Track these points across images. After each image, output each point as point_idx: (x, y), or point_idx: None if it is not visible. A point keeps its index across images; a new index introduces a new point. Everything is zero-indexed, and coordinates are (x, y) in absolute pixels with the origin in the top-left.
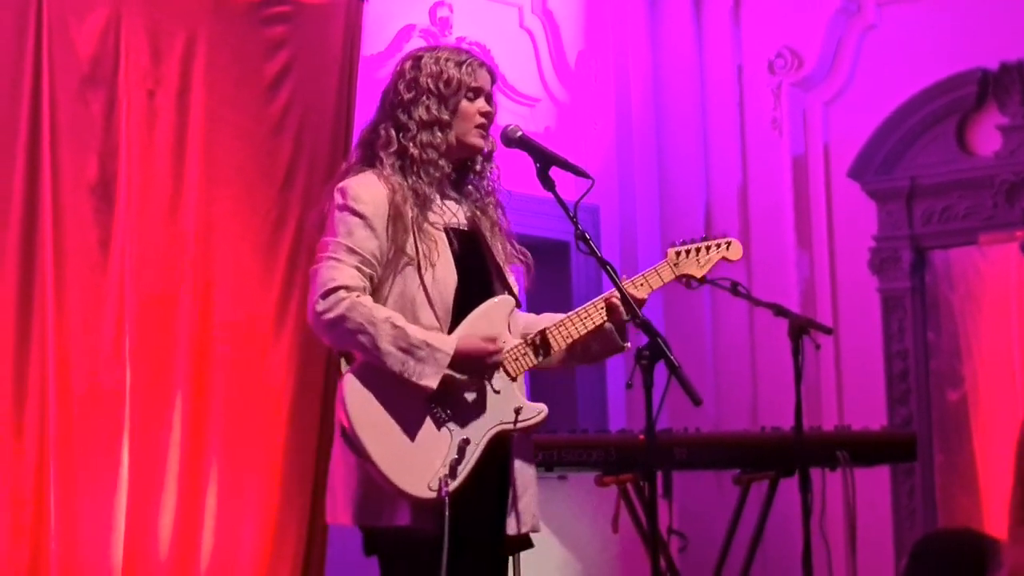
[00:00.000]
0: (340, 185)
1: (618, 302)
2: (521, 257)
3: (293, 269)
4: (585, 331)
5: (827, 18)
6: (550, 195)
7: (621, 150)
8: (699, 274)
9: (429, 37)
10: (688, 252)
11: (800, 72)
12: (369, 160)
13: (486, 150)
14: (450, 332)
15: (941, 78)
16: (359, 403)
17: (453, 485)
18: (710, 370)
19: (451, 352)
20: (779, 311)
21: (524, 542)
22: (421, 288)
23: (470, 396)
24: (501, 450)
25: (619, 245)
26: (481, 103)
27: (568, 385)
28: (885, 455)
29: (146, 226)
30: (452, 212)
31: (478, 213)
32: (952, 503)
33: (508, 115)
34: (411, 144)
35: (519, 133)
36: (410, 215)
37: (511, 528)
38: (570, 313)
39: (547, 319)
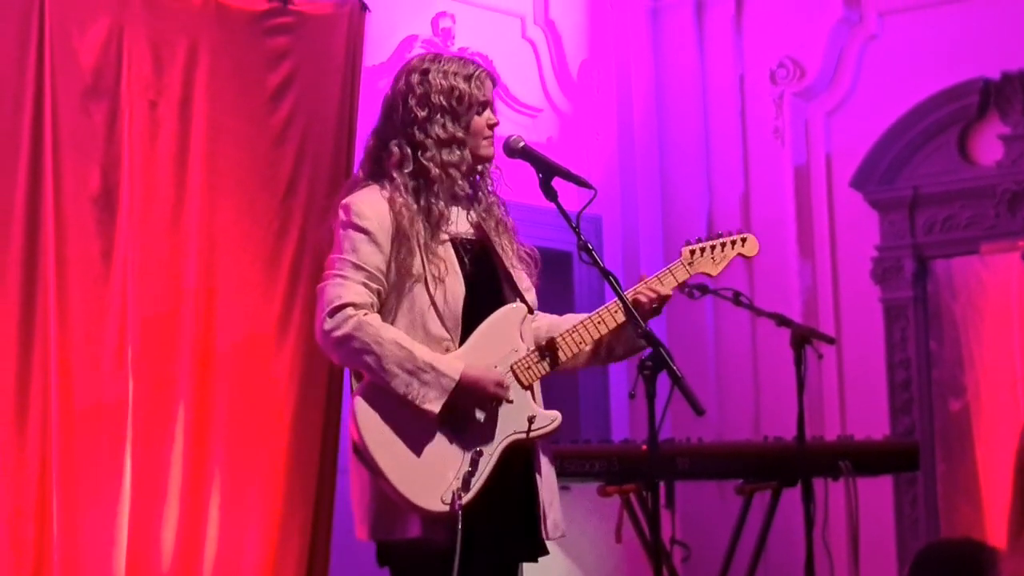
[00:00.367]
0: (344, 202)
1: (644, 297)
2: (528, 254)
3: (295, 280)
4: (598, 335)
5: (829, 28)
6: (553, 205)
7: (623, 160)
8: (715, 272)
9: (431, 48)
10: (703, 250)
11: (802, 82)
12: (376, 176)
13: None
14: (461, 342)
15: (943, 88)
16: (371, 419)
17: (466, 498)
18: (712, 380)
19: (456, 378)
20: (781, 321)
21: (544, 548)
22: (430, 302)
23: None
24: (522, 459)
25: (621, 255)
26: (488, 115)
27: (571, 395)
28: (888, 465)
29: (148, 237)
30: (461, 222)
31: (484, 215)
32: (955, 513)
33: (511, 125)
34: (431, 164)
35: (521, 144)
36: (417, 235)
37: (544, 533)
38: (583, 318)
39: (570, 320)
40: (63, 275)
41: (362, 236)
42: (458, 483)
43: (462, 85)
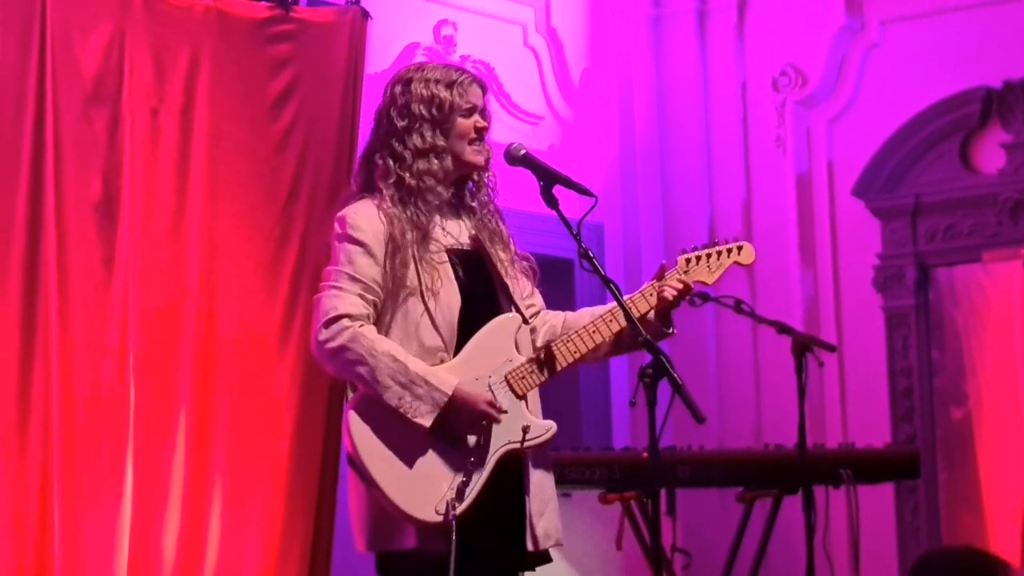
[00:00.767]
0: (339, 214)
1: (668, 293)
2: (525, 262)
3: (297, 286)
4: (595, 344)
5: (831, 36)
6: (554, 213)
7: (625, 168)
8: (710, 280)
9: (433, 55)
10: (699, 258)
11: (804, 90)
12: (368, 188)
13: (483, 163)
14: (456, 352)
15: (945, 96)
16: (365, 430)
17: (461, 508)
18: (714, 388)
19: (449, 393)
20: (782, 329)
21: (544, 557)
22: (425, 312)
23: None
24: (514, 468)
25: (623, 263)
26: (476, 119)
27: (572, 403)
28: (889, 473)
29: (150, 244)
30: (454, 233)
31: (479, 225)
32: (956, 521)
33: (512, 133)
34: (407, 174)
35: (522, 151)
36: (411, 247)
37: (530, 545)
38: (587, 323)
39: (587, 315)
40: (64, 282)
41: (358, 248)
42: (452, 493)
43: (443, 93)
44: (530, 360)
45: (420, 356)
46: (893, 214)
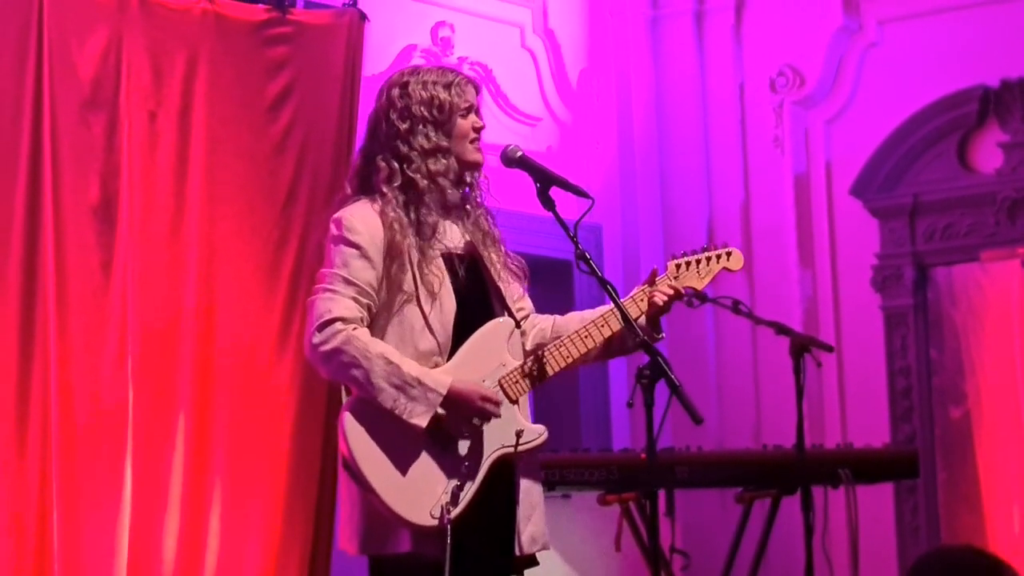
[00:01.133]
0: (335, 216)
1: (659, 299)
2: (517, 264)
3: (295, 289)
4: (587, 348)
5: (828, 36)
6: (551, 215)
7: (623, 169)
8: (700, 286)
9: (430, 57)
10: (688, 264)
11: (802, 90)
12: (365, 191)
13: (483, 162)
14: (450, 357)
15: (942, 96)
16: (360, 434)
17: (455, 512)
18: (712, 388)
19: (444, 392)
20: (780, 329)
21: (531, 561)
22: (421, 317)
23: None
24: (506, 473)
25: (622, 264)
26: (473, 119)
27: (571, 404)
28: (888, 473)
29: (148, 247)
30: (451, 235)
31: (473, 228)
32: (955, 520)
33: (510, 135)
34: (418, 175)
35: (519, 153)
36: (409, 250)
37: (517, 549)
38: (578, 327)
39: (576, 319)
40: (63, 286)
41: (353, 251)
42: (447, 497)
43: (442, 94)
44: (523, 364)
45: (415, 360)
46: (891, 214)
